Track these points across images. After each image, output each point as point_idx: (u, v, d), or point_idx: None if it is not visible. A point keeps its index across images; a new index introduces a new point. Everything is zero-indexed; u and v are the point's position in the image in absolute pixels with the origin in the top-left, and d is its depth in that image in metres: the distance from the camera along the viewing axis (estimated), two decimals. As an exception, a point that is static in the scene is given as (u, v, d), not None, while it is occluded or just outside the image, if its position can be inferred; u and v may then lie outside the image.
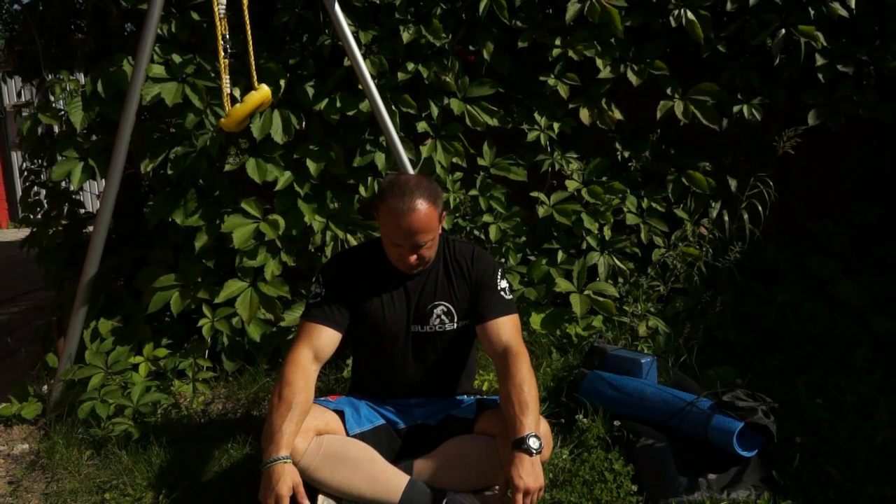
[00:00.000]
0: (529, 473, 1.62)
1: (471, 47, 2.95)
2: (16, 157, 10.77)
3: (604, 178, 3.11)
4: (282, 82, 2.74)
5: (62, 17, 3.09)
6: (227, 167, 2.75)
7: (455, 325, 1.97)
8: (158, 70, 2.64)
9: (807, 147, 3.09)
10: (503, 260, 3.02)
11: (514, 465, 1.63)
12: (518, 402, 1.72)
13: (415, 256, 1.85)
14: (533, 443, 1.65)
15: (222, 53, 2.32)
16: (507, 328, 1.91)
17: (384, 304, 1.94)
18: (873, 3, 2.99)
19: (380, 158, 2.87)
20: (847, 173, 3.42)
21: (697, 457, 1.99)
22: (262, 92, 2.32)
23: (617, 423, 2.20)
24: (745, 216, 3.08)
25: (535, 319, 2.96)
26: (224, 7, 2.30)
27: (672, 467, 1.97)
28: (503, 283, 1.98)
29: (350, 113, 2.82)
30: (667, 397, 2.15)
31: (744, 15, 3.00)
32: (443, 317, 1.96)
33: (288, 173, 2.80)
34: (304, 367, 1.81)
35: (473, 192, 3.00)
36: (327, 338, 1.89)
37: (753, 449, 1.97)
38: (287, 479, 1.61)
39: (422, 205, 1.79)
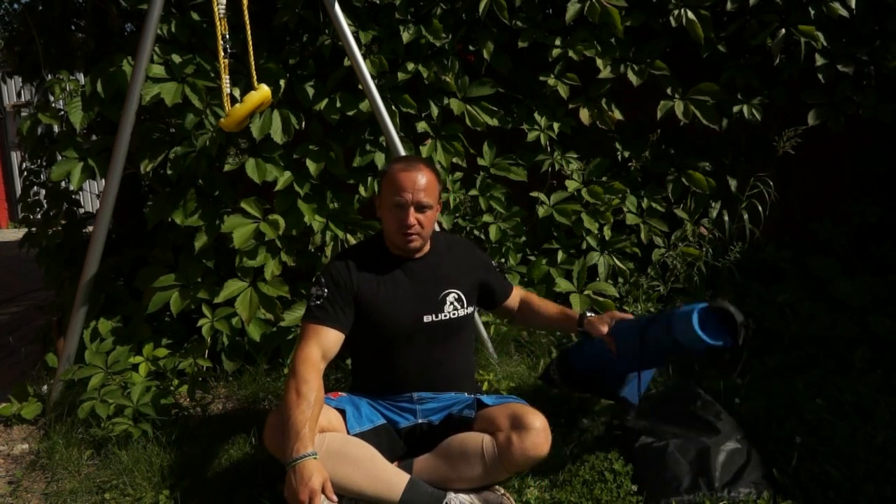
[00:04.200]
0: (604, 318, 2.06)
1: (471, 47, 2.95)
2: (16, 157, 10.78)
3: (604, 178, 3.12)
4: (282, 82, 2.74)
5: (62, 17, 3.09)
6: (227, 167, 2.75)
7: (465, 311, 2.04)
8: (158, 70, 2.64)
9: (807, 147, 3.10)
10: (503, 260, 3.02)
11: (596, 321, 2.05)
12: (553, 307, 2.22)
13: (415, 219, 1.90)
14: (588, 312, 2.12)
15: (222, 53, 2.32)
16: (516, 293, 2.28)
17: (392, 298, 1.96)
18: (873, 3, 2.99)
19: (380, 158, 2.87)
20: (847, 173, 3.42)
21: (697, 455, 1.98)
22: (262, 92, 2.32)
23: (616, 422, 2.21)
24: (745, 216, 3.08)
25: (535, 319, 2.96)
26: (224, 7, 2.30)
27: (671, 466, 1.96)
28: (494, 263, 2.30)
29: (350, 113, 2.82)
30: (639, 321, 2.05)
31: (744, 15, 3.00)
32: (455, 304, 2.02)
33: (288, 173, 2.80)
34: (316, 364, 1.82)
35: (473, 192, 3.00)
36: (333, 338, 1.89)
37: (719, 342, 1.82)
38: (318, 475, 1.61)
39: (426, 167, 1.95)
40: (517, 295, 2.27)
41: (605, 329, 2.03)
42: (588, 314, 2.11)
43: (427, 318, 1.97)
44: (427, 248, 2.03)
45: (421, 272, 2.00)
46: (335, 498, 1.64)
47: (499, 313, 2.35)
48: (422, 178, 1.91)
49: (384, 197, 1.95)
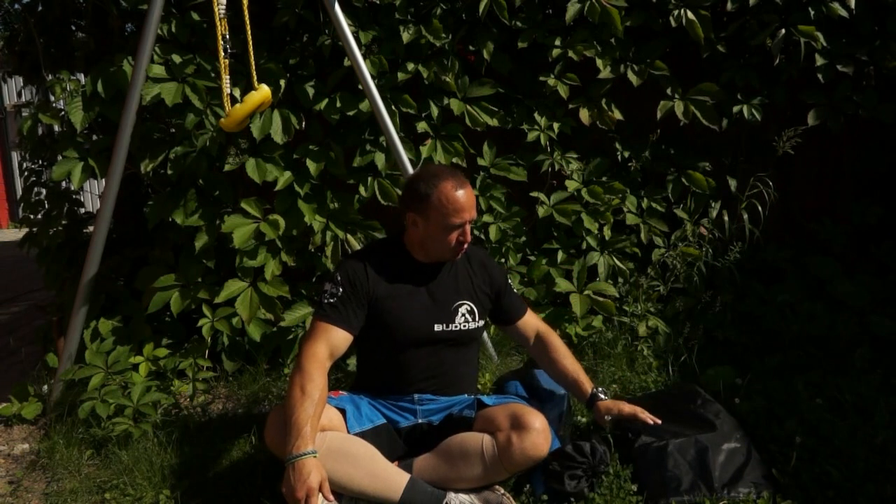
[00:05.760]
0: (618, 402, 2.03)
1: (471, 47, 2.95)
2: (16, 157, 10.77)
3: (604, 178, 3.12)
4: (282, 82, 2.74)
5: (62, 17, 3.09)
6: (227, 167, 2.75)
7: (476, 324, 2.03)
8: (158, 70, 2.64)
9: (807, 147, 3.10)
10: (503, 260, 3.02)
11: (609, 406, 2.01)
12: (573, 369, 2.10)
13: (470, 234, 1.95)
14: (601, 392, 2.06)
15: (222, 53, 2.32)
16: (531, 319, 2.19)
17: (405, 305, 1.96)
18: (873, 3, 2.99)
19: (380, 158, 2.87)
20: (847, 173, 3.42)
21: (697, 455, 1.98)
22: (262, 92, 2.32)
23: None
24: (745, 216, 3.08)
25: (535, 319, 2.96)
26: (224, 7, 2.30)
27: (671, 466, 1.96)
28: (510, 281, 2.20)
29: (350, 113, 2.82)
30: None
31: (744, 15, 3.00)
32: (467, 315, 2.02)
33: (288, 173, 2.80)
34: (322, 363, 1.82)
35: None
36: (342, 338, 1.90)
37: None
38: (317, 473, 1.61)
39: (466, 177, 1.96)
40: (533, 323, 2.19)
41: (604, 421, 2.02)
42: (600, 395, 2.05)
43: (438, 328, 1.97)
44: None
45: (438, 281, 2.00)
46: (332, 498, 1.64)
47: (510, 335, 2.25)
48: (472, 194, 1.93)
49: (434, 218, 1.89)
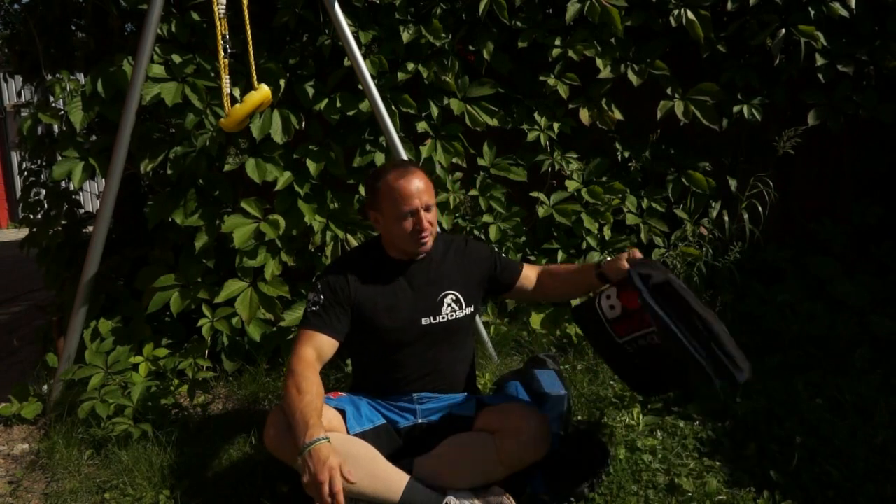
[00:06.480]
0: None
1: (471, 47, 2.95)
2: (16, 157, 10.78)
3: (604, 178, 3.12)
4: (282, 82, 2.74)
5: (62, 17, 3.09)
6: (227, 167, 2.75)
7: (464, 312, 2.02)
8: (158, 70, 2.64)
9: (807, 147, 3.10)
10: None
11: (612, 261, 1.96)
12: (576, 268, 2.19)
13: (427, 222, 1.91)
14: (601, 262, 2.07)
15: (222, 53, 2.32)
16: (528, 271, 2.17)
17: (390, 306, 1.95)
18: (873, 3, 2.99)
19: (380, 158, 2.86)
20: (847, 173, 3.42)
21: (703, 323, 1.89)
22: (262, 92, 2.32)
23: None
24: (745, 216, 3.08)
25: (535, 319, 2.96)
26: (224, 7, 2.30)
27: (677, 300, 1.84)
28: (496, 250, 2.16)
29: (350, 113, 2.82)
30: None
31: (744, 15, 3.00)
32: (453, 305, 2.01)
33: (288, 173, 2.80)
34: (312, 364, 1.83)
35: (473, 192, 3.00)
36: (328, 344, 1.89)
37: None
38: (334, 455, 1.59)
39: (417, 168, 1.96)
40: (531, 274, 2.16)
41: (624, 264, 1.90)
42: (601, 263, 2.01)
43: (425, 321, 1.97)
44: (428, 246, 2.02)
45: (419, 275, 2.00)
46: (353, 479, 1.62)
47: (519, 297, 2.24)
48: (420, 181, 1.90)
49: (387, 210, 1.91)
